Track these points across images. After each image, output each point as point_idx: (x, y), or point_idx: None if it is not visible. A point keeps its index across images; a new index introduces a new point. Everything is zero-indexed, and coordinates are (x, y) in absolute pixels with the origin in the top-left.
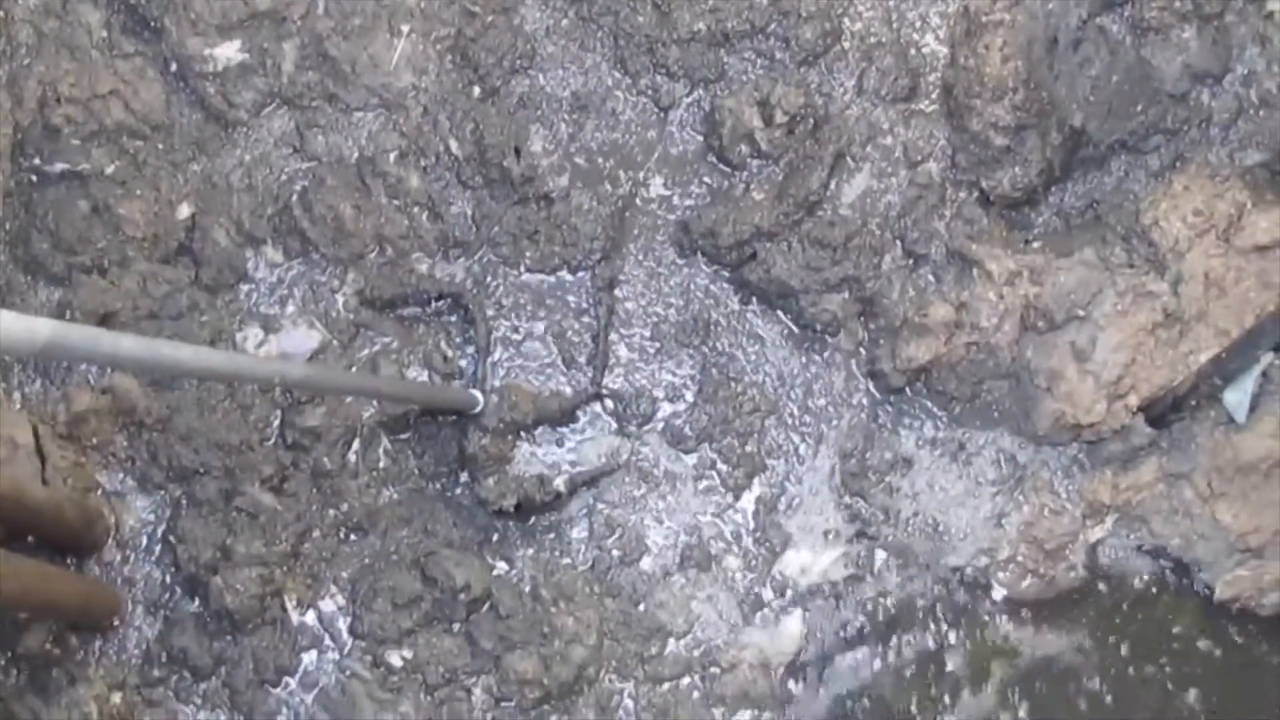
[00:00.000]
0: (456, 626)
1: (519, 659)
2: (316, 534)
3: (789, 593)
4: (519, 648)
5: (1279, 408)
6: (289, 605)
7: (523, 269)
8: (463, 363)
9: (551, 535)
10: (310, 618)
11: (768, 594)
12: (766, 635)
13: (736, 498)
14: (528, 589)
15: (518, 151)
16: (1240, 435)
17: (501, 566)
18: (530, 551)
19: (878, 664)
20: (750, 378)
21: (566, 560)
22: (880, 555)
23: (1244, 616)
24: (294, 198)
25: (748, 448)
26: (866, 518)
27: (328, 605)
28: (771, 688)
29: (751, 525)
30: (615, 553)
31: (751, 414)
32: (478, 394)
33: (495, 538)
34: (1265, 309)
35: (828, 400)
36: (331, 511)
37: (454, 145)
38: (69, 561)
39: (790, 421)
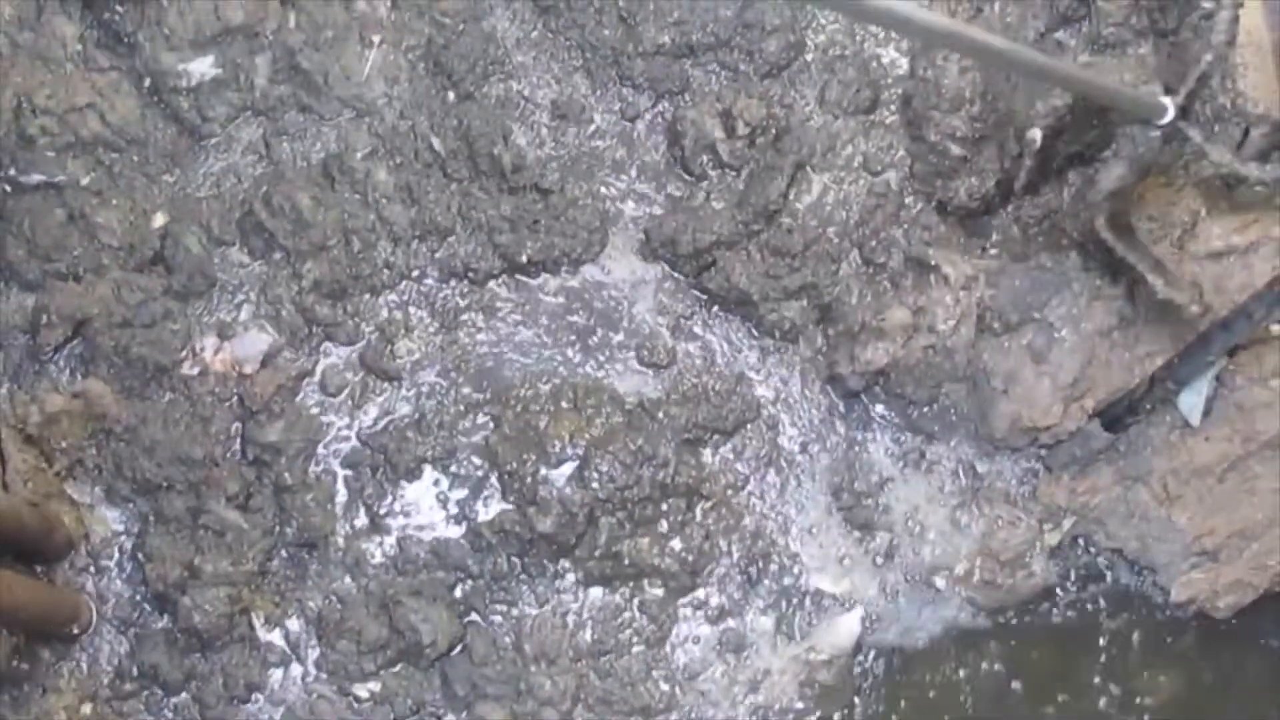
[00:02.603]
0: (427, 665)
1: (490, 709)
2: (284, 552)
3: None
4: (491, 699)
5: (1233, 411)
6: (257, 623)
7: (525, 258)
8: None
9: (543, 588)
10: (278, 636)
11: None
12: None
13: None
14: (509, 640)
15: (506, 140)
16: (1195, 438)
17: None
18: (507, 609)
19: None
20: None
21: (555, 620)
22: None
23: (1201, 617)
24: (257, 197)
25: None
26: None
27: (295, 624)
28: None
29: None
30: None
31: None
32: (1167, 101)
33: (469, 585)
34: (1219, 314)
35: (808, 435)
36: (293, 529)
37: (436, 142)
38: (39, 570)
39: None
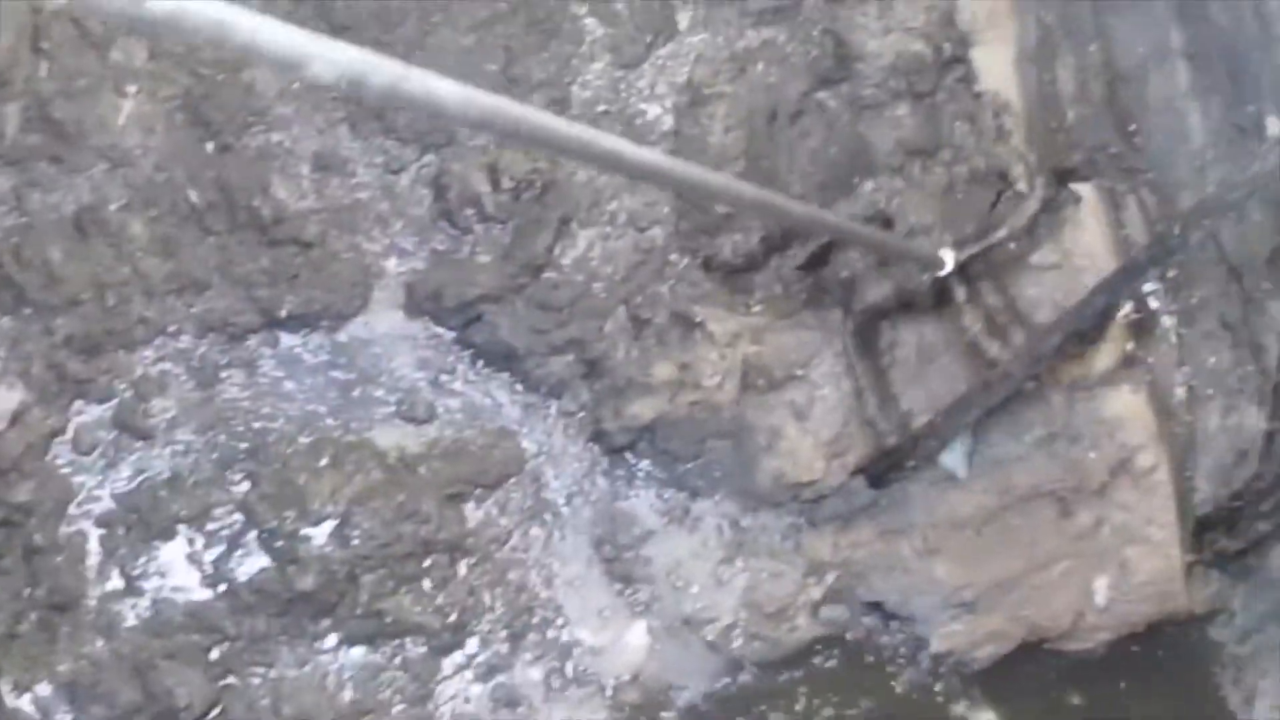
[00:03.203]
0: None
1: None
2: (33, 615)
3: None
4: None
5: (990, 466)
6: (5, 689)
7: (284, 312)
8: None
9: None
10: (27, 702)
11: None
12: None
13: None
14: (267, 702)
15: (266, 192)
16: (955, 492)
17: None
18: (266, 670)
19: None
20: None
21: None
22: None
23: (960, 668)
24: (6, 250)
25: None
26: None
27: (45, 689)
28: None
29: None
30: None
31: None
32: (947, 256)
33: (226, 646)
34: (976, 374)
35: (571, 488)
36: (43, 591)
37: (193, 194)
38: None
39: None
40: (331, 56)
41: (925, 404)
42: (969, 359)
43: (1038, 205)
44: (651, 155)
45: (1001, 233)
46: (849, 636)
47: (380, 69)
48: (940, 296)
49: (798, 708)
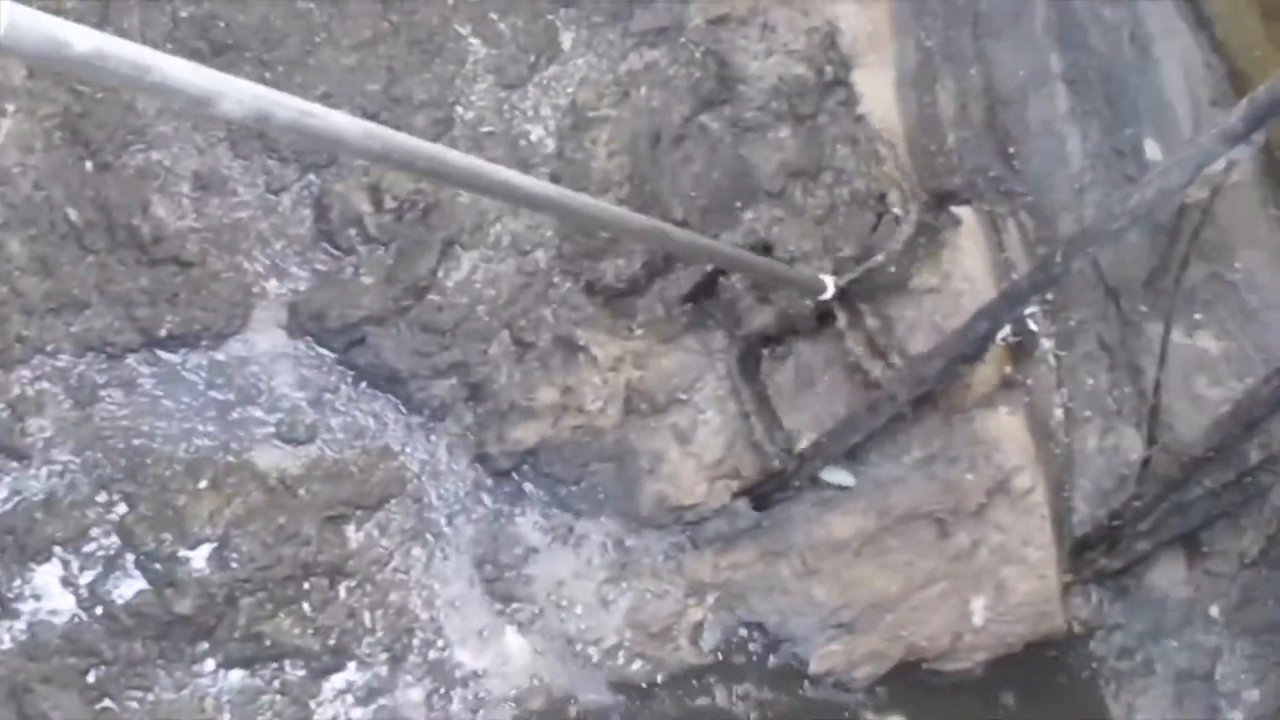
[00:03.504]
0: None
1: None
2: None
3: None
4: None
5: (869, 487)
6: None
7: (164, 331)
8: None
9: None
10: None
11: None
12: None
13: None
14: None
15: (145, 211)
16: (833, 514)
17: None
18: (143, 694)
19: None
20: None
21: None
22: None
23: (840, 688)
24: None
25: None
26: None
27: None
28: None
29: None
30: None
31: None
32: (828, 281)
33: (103, 670)
34: (860, 396)
35: (453, 508)
36: None
37: (72, 213)
38: None
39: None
40: (239, 95)
41: (810, 426)
42: (852, 380)
43: (913, 229)
44: (545, 187)
45: (879, 258)
46: (732, 658)
47: (284, 106)
48: (822, 320)
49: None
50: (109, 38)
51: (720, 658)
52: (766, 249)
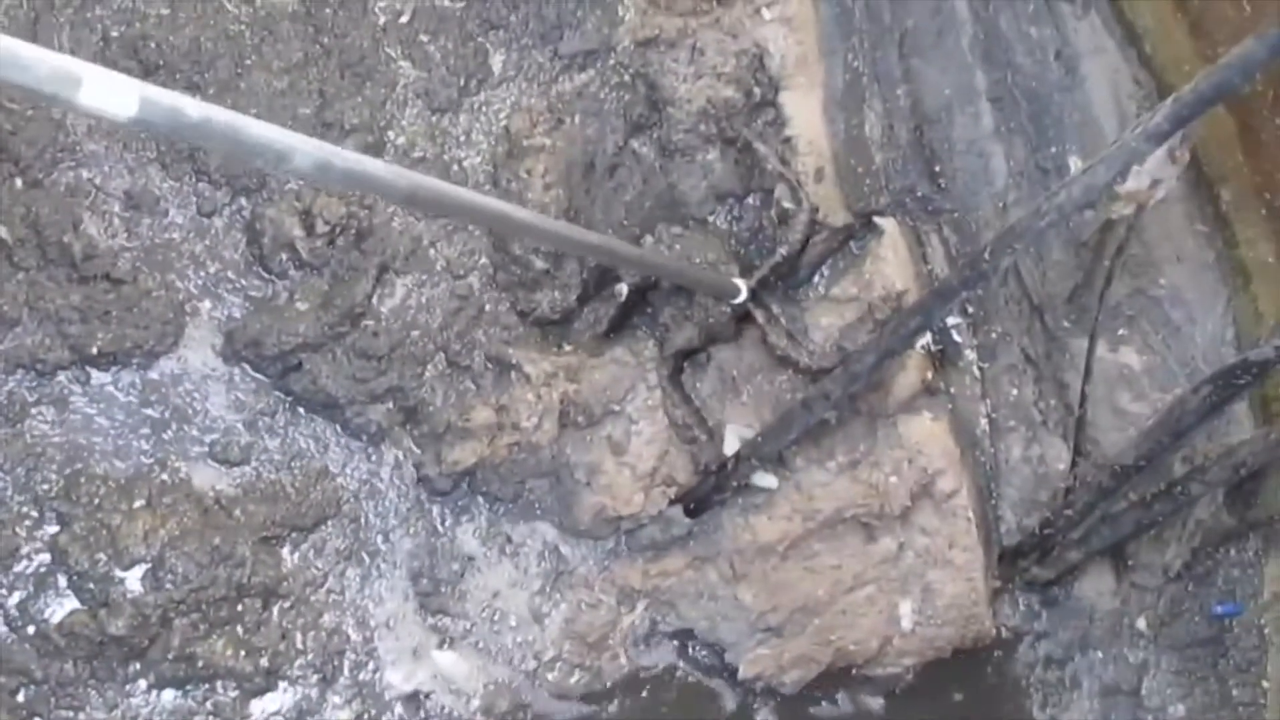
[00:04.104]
0: None
1: None
2: None
3: None
4: None
5: (794, 491)
6: None
7: (96, 349)
8: None
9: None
10: None
11: None
12: None
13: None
14: None
15: (76, 229)
16: (759, 518)
17: None
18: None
19: None
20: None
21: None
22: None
23: (769, 694)
24: None
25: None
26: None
27: None
28: None
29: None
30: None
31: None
32: (740, 283)
33: (33, 690)
34: (782, 398)
35: (389, 530)
36: None
37: (2, 230)
38: None
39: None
40: (305, 148)
41: (739, 430)
42: (781, 373)
43: (808, 216)
44: (486, 200)
45: (781, 250)
46: (666, 666)
47: (342, 157)
48: (740, 326)
49: None
50: (213, 108)
51: (657, 666)
52: None
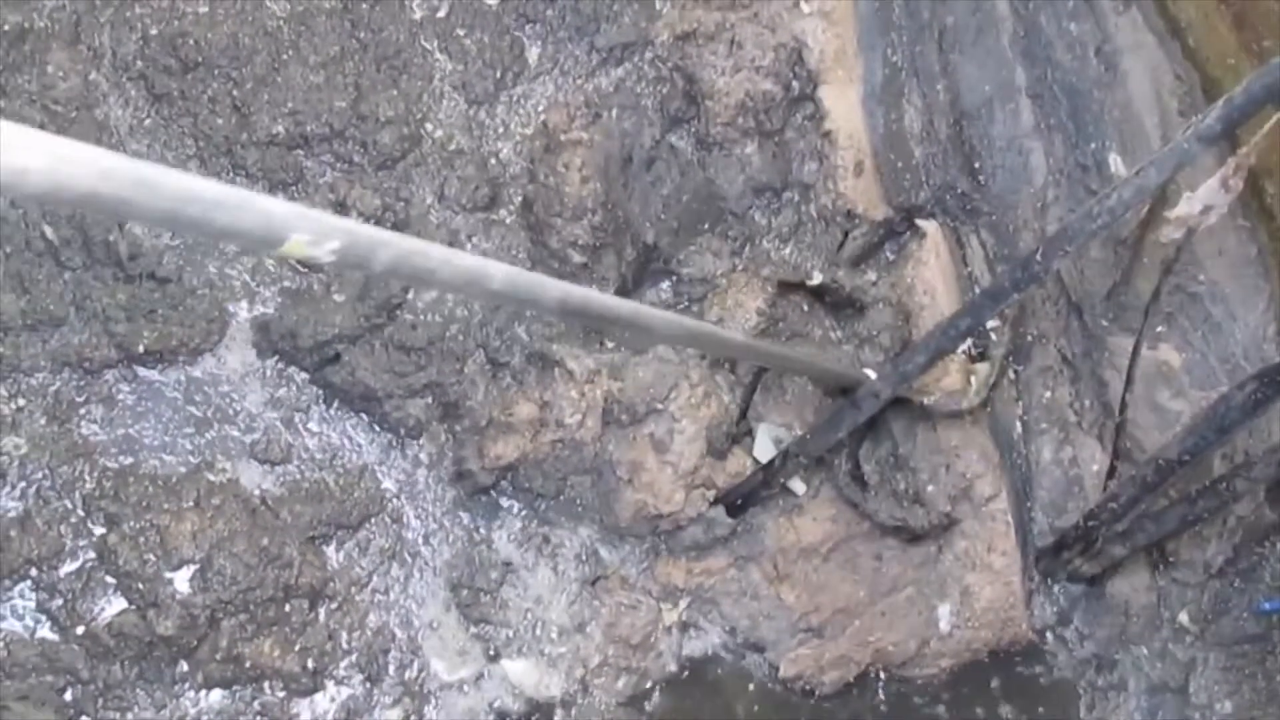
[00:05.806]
0: None
1: None
2: None
3: None
4: None
5: (836, 494)
6: None
7: (142, 347)
8: None
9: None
10: None
11: None
12: None
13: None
14: None
15: (121, 228)
16: (803, 519)
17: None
18: (121, 714)
19: None
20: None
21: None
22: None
23: (808, 694)
24: None
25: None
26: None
27: None
28: None
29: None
30: None
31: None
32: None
33: (80, 689)
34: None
35: (430, 528)
36: None
37: (48, 230)
38: None
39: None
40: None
41: (777, 425)
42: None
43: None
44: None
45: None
46: (708, 664)
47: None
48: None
49: None
50: (397, 236)
51: (699, 665)
52: None
